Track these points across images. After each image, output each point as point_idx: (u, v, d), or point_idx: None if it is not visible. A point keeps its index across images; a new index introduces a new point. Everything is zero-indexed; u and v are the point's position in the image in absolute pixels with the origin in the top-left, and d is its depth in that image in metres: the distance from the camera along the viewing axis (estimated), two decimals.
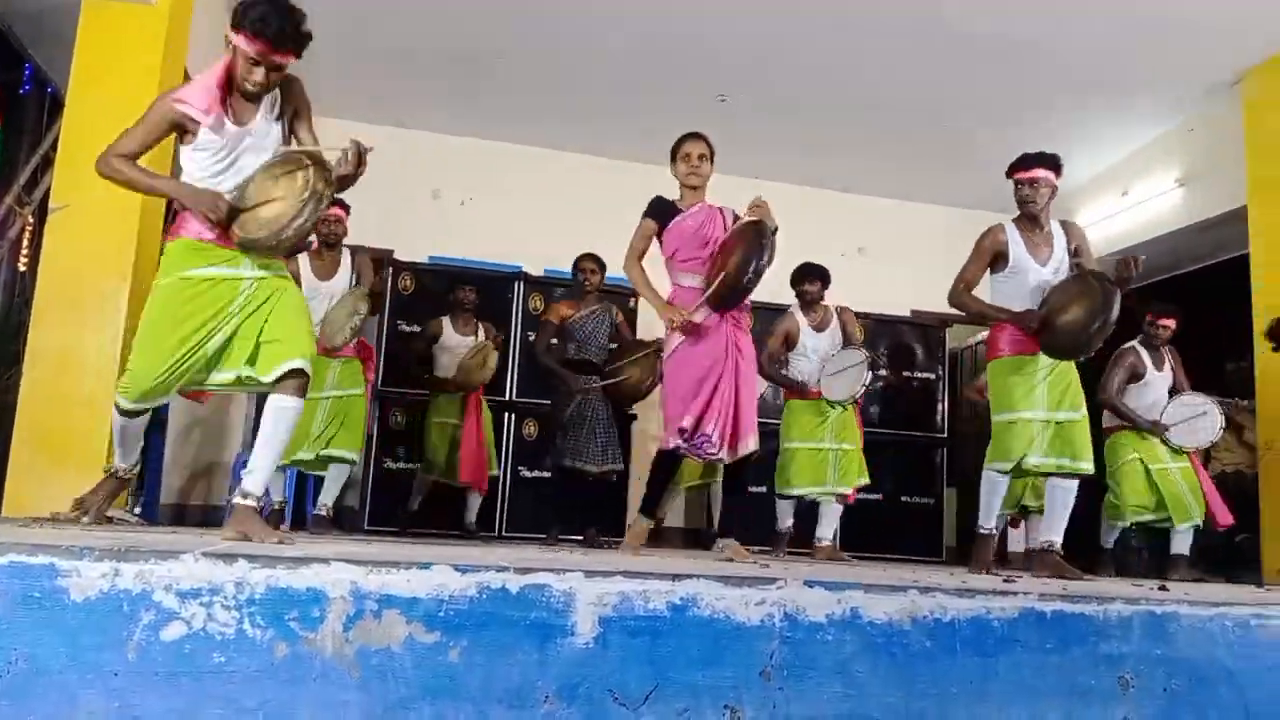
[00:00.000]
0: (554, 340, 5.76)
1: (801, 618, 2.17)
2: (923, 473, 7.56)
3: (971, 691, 2.21)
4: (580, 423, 5.55)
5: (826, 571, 2.76)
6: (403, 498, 6.30)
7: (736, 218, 4.09)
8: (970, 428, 8.77)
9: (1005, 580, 2.87)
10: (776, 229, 3.88)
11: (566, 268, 7.44)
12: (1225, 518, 5.40)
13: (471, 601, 1.98)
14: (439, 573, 1.98)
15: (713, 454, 3.92)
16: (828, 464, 5.62)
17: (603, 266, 5.85)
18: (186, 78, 4.95)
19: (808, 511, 5.89)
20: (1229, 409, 5.57)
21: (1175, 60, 6.26)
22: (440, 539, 5.63)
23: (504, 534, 6.58)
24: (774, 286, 5.96)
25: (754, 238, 3.82)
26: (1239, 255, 6.50)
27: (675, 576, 2.13)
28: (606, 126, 7.59)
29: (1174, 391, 5.54)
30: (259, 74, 2.89)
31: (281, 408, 2.92)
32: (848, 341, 5.75)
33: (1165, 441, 5.43)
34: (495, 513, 6.64)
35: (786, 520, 5.85)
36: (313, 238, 4.62)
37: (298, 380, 2.93)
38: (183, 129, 2.98)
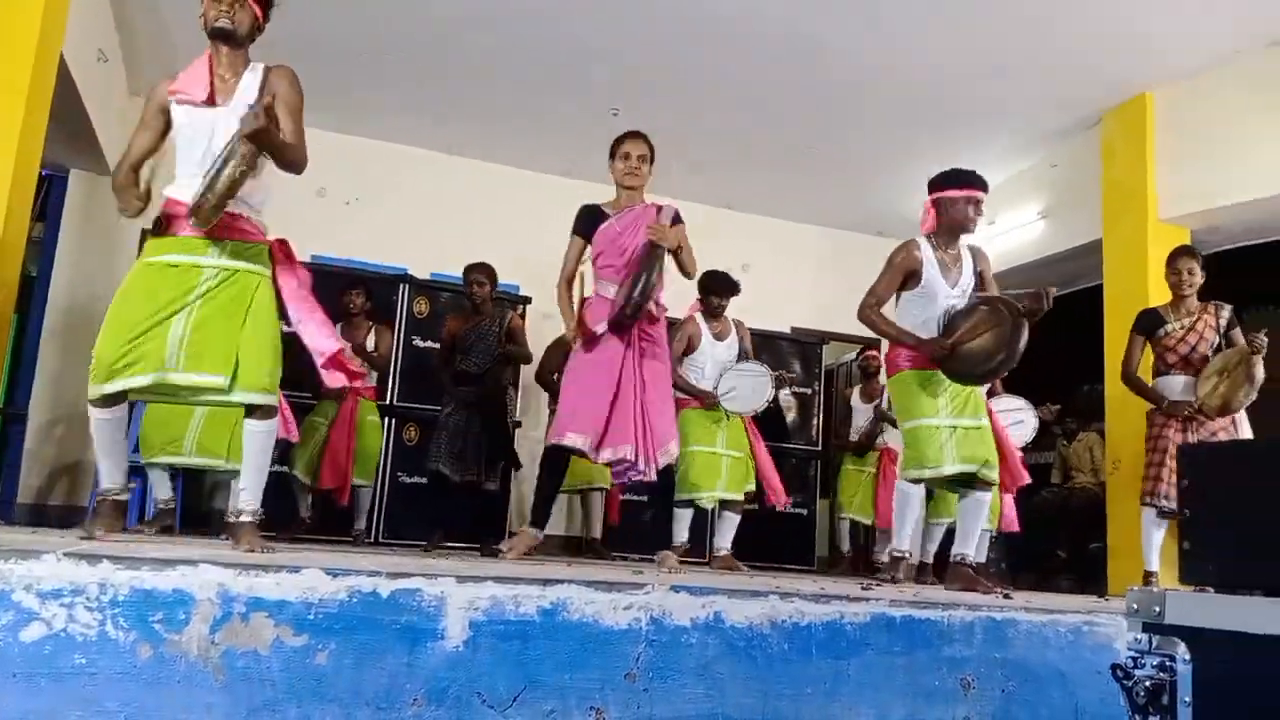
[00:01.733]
0: (448, 357, 5.82)
1: (667, 621, 2.26)
2: (797, 484, 7.77)
3: (824, 692, 2.33)
4: (444, 429, 5.64)
5: (693, 577, 2.86)
6: (284, 501, 6.14)
7: (678, 219, 4.08)
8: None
9: (862, 587, 3.02)
10: (673, 248, 3.92)
11: (453, 272, 7.40)
12: (1011, 523, 5.64)
13: (341, 605, 2.00)
14: (309, 576, 1.99)
15: (639, 477, 3.93)
16: (721, 469, 5.59)
17: (492, 276, 5.83)
18: (63, 65, 4.80)
19: (704, 521, 5.91)
20: (1042, 411, 5.74)
21: (1041, 100, 6.63)
22: (327, 544, 5.52)
23: (381, 540, 6.52)
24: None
25: (644, 259, 3.86)
26: (1094, 285, 6.90)
27: (546, 582, 2.19)
28: (499, 133, 7.61)
29: (991, 394, 5.78)
30: (220, 7, 3.04)
31: (250, 432, 3.09)
32: (744, 354, 5.75)
33: None
34: (373, 518, 6.56)
35: (683, 533, 5.67)
36: None
37: (258, 410, 3.06)
38: (168, 114, 3.09)
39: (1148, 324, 5.13)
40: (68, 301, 6.65)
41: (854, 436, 7.18)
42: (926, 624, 2.47)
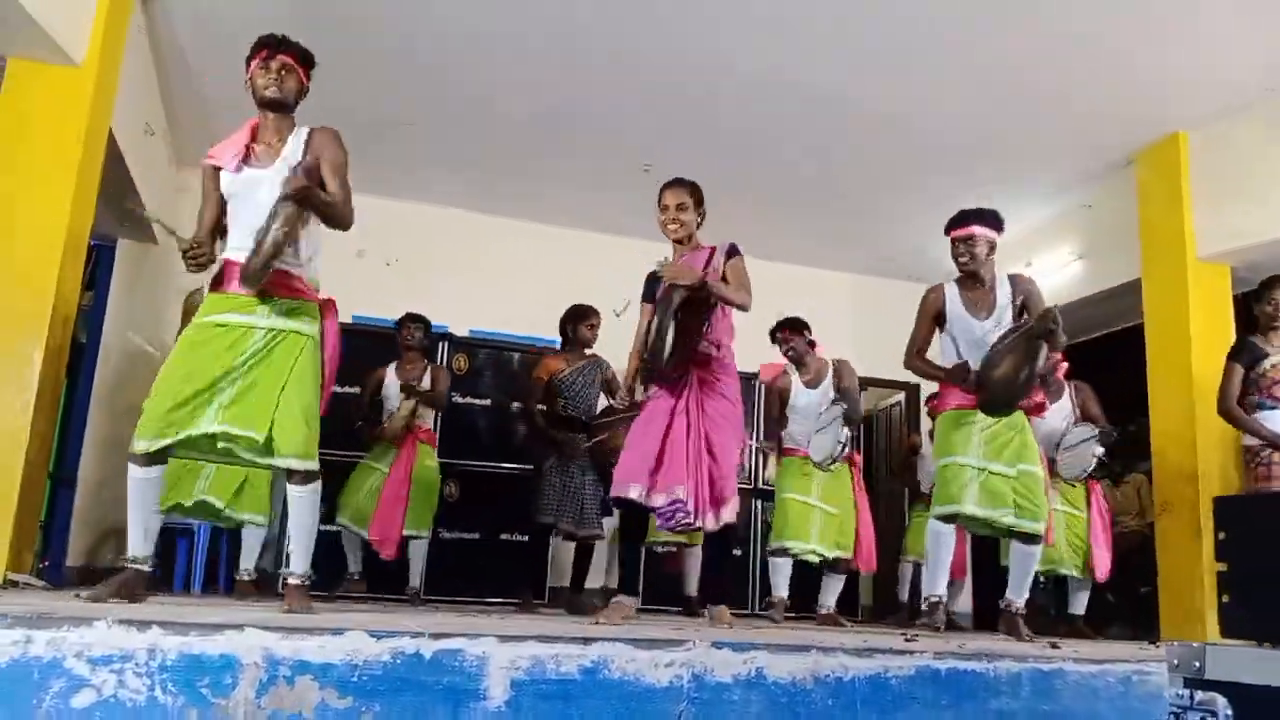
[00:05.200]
0: (543, 403, 5.58)
1: (709, 678, 2.25)
2: None
3: None
4: (558, 480, 5.38)
5: (734, 633, 2.84)
6: (325, 560, 6.07)
7: (732, 253, 3.93)
8: (884, 487, 8.99)
9: (906, 639, 2.98)
10: (699, 284, 3.69)
11: (493, 328, 7.52)
12: (1103, 570, 5.49)
13: (385, 667, 2.02)
14: (353, 638, 2.01)
15: (688, 522, 3.68)
16: (812, 521, 5.42)
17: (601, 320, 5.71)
18: (111, 139, 4.96)
19: (814, 578, 5.73)
20: (1103, 436, 5.51)
21: (1074, 141, 6.61)
22: (379, 603, 5.47)
23: (422, 597, 6.52)
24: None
25: (657, 308, 3.72)
26: (1135, 324, 6.82)
27: (586, 640, 2.20)
28: (534, 191, 7.72)
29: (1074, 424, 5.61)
30: (269, 76, 3.20)
31: (294, 497, 3.14)
32: (840, 396, 5.50)
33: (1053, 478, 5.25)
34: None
35: (781, 587, 5.53)
36: None
37: (298, 475, 3.10)
38: (216, 182, 3.23)
39: (1250, 355, 4.97)
40: (116, 368, 6.79)
41: (925, 484, 7.07)
42: (972, 675, 2.44)
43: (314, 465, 3.11)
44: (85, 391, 6.76)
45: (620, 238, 7.99)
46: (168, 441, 2.99)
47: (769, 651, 2.31)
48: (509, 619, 3.63)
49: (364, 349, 6.30)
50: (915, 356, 4.27)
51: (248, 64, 3.30)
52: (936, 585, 4.15)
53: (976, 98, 6.09)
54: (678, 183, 4.02)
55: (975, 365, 4.07)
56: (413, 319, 5.96)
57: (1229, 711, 1.27)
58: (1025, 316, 4.13)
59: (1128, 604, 7.15)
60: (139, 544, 3.12)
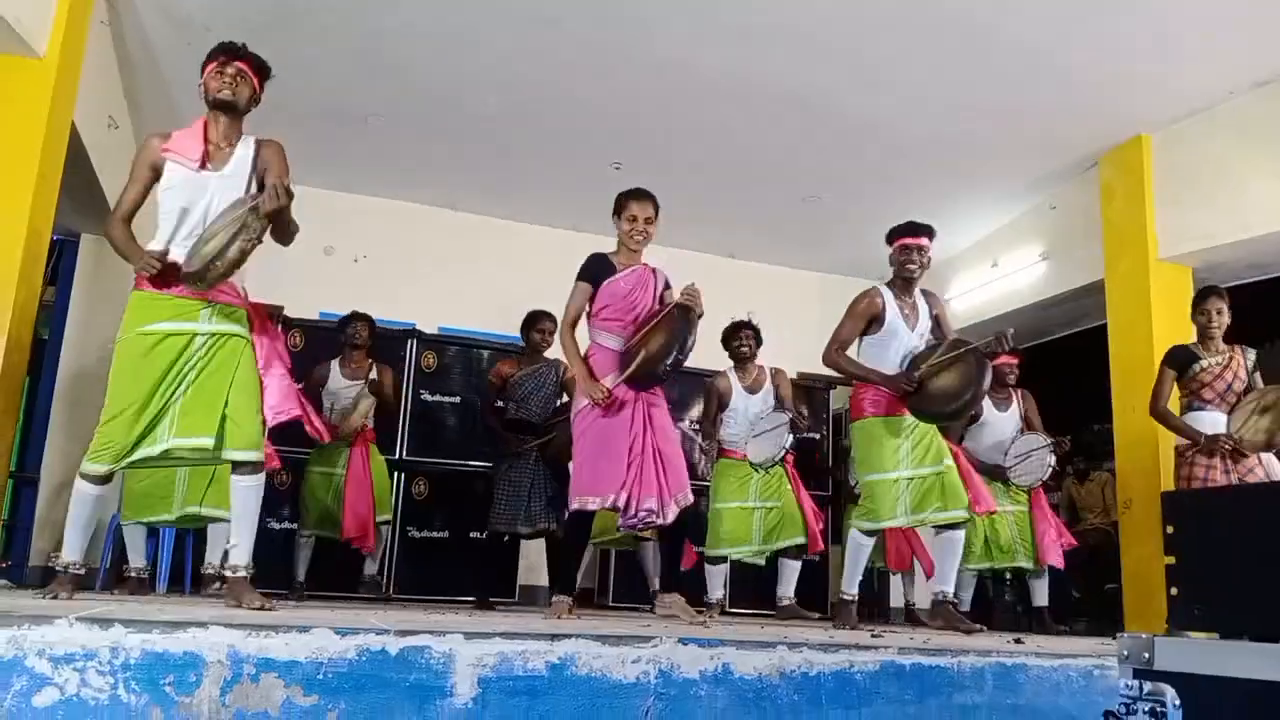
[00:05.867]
0: (498, 402, 5.64)
1: (676, 674, 2.25)
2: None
3: None
4: (508, 486, 5.43)
5: (701, 629, 2.86)
6: (287, 558, 6.06)
7: (669, 285, 4.09)
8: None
9: (873, 635, 3.01)
10: (701, 314, 3.89)
11: (461, 325, 7.48)
12: (1054, 558, 5.59)
13: (351, 664, 2.01)
14: (318, 636, 2.00)
15: (656, 522, 3.90)
16: (752, 524, 5.58)
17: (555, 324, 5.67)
18: (74, 131, 4.90)
19: (764, 572, 5.94)
20: (1057, 448, 5.67)
21: (1038, 144, 6.70)
22: (335, 599, 5.45)
23: (392, 595, 6.49)
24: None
25: (680, 324, 3.79)
26: (1098, 324, 6.91)
27: (554, 637, 2.20)
28: (504, 188, 7.70)
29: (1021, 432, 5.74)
30: (223, 79, 3.24)
31: (240, 488, 3.18)
32: (779, 404, 5.70)
33: (1005, 483, 5.57)
34: (383, 573, 6.53)
35: (716, 590, 5.78)
36: None
37: (246, 466, 3.16)
38: (159, 170, 3.22)
39: (1181, 359, 5.12)
40: (79, 364, 6.70)
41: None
42: (936, 671, 2.47)
43: (262, 457, 3.17)
44: (48, 389, 6.68)
45: (590, 235, 7.96)
46: (124, 465, 3.08)
47: (736, 647, 2.32)
48: (476, 616, 3.63)
49: (331, 345, 6.26)
50: (839, 353, 4.32)
51: (203, 68, 3.32)
52: (850, 585, 4.32)
53: (946, 101, 6.15)
54: (646, 195, 4.10)
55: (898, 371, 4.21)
56: (358, 317, 5.92)
57: (1177, 702, 1.31)
58: (937, 332, 4.35)
59: (1093, 599, 7.25)
60: (79, 550, 3.17)
